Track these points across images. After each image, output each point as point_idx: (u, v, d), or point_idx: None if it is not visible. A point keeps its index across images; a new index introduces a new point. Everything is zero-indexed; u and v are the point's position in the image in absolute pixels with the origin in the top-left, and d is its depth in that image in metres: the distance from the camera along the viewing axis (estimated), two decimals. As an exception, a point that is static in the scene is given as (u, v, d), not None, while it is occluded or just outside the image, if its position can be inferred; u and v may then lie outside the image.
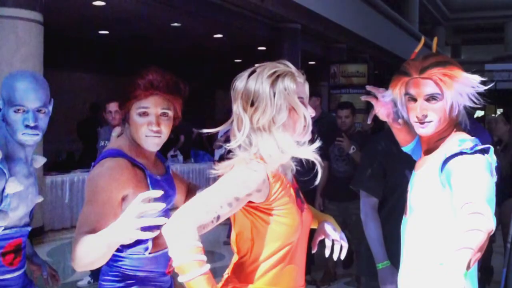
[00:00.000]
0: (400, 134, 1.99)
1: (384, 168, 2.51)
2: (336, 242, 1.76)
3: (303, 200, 1.65)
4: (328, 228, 1.77)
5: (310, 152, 1.52)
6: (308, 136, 1.57)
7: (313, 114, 1.58)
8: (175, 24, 10.08)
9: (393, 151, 2.32)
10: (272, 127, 1.52)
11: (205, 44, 12.20)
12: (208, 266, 1.30)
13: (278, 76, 1.52)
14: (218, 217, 1.38)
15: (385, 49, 15.77)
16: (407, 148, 2.02)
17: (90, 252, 1.51)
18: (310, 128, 1.57)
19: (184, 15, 9.44)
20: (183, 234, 1.30)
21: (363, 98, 1.98)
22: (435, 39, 1.95)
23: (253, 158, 1.51)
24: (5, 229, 1.89)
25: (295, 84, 1.52)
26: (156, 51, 12.26)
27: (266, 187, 1.48)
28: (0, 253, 1.92)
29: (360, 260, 4.70)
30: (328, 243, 1.77)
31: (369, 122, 2.04)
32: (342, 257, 1.76)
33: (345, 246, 1.76)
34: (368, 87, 1.96)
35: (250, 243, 1.54)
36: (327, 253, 1.76)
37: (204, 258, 1.30)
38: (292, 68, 1.56)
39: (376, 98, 1.91)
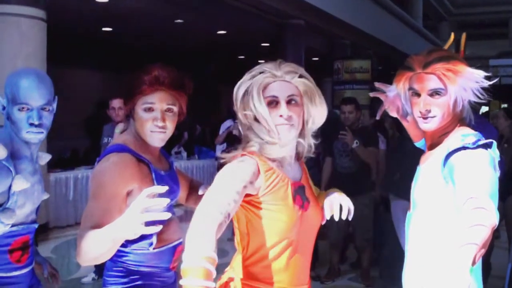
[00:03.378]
0: (410, 130, 1.99)
1: (412, 170, 2.48)
2: (338, 207, 1.75)
3: (307, 197, 1.63)
4: (326, 203, 1.76)
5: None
6: (285, 137, 1.56)
7: (286, 115, 1.54)
8: (179, 20, 10.07)
9: (419, 151, 2.30)
10: (253, 126, 1.57)
11: (209, 41, 12.19)
12: (214, 284, 1.23)
13: (252, 77, 1.57)
14: (229, 215, 1.39)
15: (389, 45, 15.69)
16: (419, 144, 2.02)
17: (95, 247, 1.52)
18: (276, 132, 1.54)
19: (188, 12, 9.42)
20: (202, 239, 1.28)
21: (372, 94, 1.98)
22: (452, 35, 1.93)
23: (245, 153, 1.55)
24: (12, 226, 1.89)
25: (262, 85, 1.54)
26: (159, 47, 12.24)
27: (256, 180, 1.51)
28: (8, 250, 1.93)
29: (381, 263, 4.69)
30: (335, 211, 1.75)
31: (377, 118, 2.06)
32: (350, 217, 1.76)
33: (348, 207, 1.75)
34: (377, 84, 1.96)
35: (247, 238, 1.57)
36: (335, 217, 1.74)
37: (214, 272, 1.24)
38: (273, 68, 1.57)
39: (385, 94, 1.91)
